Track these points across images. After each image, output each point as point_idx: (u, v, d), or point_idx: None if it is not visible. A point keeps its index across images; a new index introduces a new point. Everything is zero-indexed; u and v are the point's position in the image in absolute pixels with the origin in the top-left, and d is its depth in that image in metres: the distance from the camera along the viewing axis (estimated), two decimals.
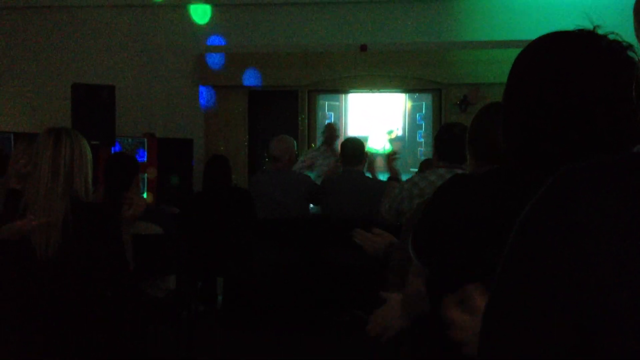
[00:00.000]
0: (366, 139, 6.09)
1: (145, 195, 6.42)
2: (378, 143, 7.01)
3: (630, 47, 1.01)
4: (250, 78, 7.01)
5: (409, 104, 7.45)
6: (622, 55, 1.02)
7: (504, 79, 1.15)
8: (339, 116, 7.52)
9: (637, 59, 0.99)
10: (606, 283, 0.54)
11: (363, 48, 7.16)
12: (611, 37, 1.04)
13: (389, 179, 4.42)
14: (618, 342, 0.54)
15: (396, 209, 3.19)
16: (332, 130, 6.23)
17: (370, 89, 7.32)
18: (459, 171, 2.82)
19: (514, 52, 1.16)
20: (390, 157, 4.75)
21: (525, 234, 0.64)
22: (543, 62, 1.07)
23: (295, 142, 4.94)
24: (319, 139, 6.75)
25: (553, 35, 1.09)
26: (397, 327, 1.85)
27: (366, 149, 4.80)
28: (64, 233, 2.21)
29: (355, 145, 4.65)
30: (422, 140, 7.30)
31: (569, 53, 1.05)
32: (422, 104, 7.42)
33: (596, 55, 1.03)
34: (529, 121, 1.07)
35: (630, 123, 0.97)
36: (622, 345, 0.53)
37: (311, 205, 4.99)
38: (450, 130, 2.98)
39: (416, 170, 5.16)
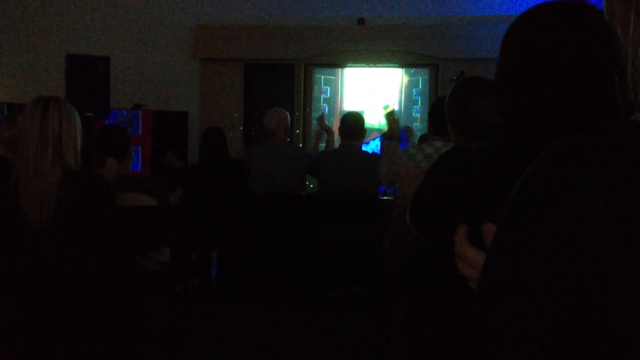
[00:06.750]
0: (362, 113, 6.06)
1: (140, 169, 6.39)
2: (373, 118, 6.97)
3: None
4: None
5: (405, 79, 7.40)
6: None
7: None
8: (334, 90, 7.47)
9: None
10: (604, 257, 0.53)
11: (361, 22, 7.09)
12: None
13: (388, 138, 4.18)
14: (618, 315, 0.53)
15: (395, 173, 3.18)
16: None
17: (367, 63, 7.26)
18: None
19: None
20: (390, 117, 4.56)
21: (517, 208, 0.63)
22: (530, 35, 1.05)
23: (288, 114, 4.92)
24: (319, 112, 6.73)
25: (540, 7, 1.07)
26: None
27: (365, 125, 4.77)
28: (57, 204, 2.19)
29: (356, 120, 4.63)
30: (418, 115, 7.26)
31: (556, 24, 1.02)
32: (419, 79, 7.37)
33: (584, 25, 0.99)
34: (520, 95, 1.06)
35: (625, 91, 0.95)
36: (623, 319, 0.53)
37: (308, 182, 5.00)
38: (443, 104, 2.98)
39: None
